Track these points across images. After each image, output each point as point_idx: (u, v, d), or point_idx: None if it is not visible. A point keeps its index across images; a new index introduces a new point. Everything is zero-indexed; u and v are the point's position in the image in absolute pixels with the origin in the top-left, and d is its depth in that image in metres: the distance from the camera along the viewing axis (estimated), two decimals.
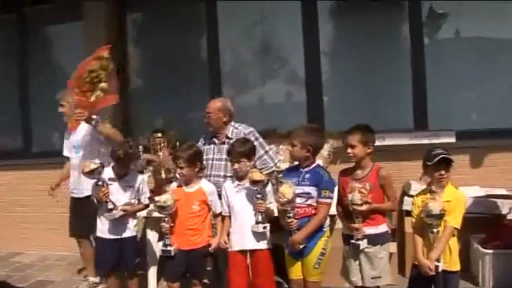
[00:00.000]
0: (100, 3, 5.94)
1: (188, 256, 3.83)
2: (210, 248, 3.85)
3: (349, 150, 3.42)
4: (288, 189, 3.33)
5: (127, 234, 4.06)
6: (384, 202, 3.45)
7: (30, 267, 5.63)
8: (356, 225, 3.35)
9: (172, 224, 3.81)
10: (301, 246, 3.44)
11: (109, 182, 3.95)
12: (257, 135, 4.27)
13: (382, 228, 3.46)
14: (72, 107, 4.45)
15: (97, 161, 3.91)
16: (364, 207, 3.29)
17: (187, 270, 3.89)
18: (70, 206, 4.77)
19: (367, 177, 3.41)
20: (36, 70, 6.56)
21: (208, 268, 3.94)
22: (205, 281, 4.04)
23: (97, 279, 4.73)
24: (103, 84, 4.12)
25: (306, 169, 3.51)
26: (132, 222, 4.11)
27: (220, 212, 3.90)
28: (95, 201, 3.96)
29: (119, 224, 4.02)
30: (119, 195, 3.99)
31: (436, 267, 3.17)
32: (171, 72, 6.14)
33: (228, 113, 4.26)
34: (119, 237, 4.03)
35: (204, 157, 4.23)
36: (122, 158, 3.93)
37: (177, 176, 4.01)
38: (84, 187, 4.40)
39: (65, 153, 4.84)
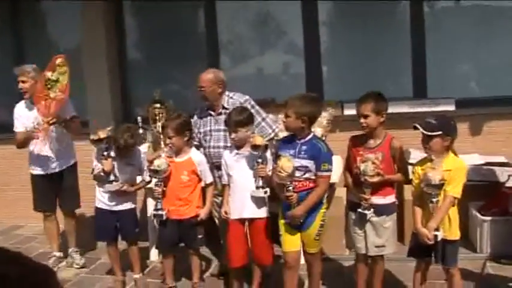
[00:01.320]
0: None
1: (179, 226, 3.87)
2: (198, 218, 3.86)
3: (362, 120, 3.34)
4: (287, 163, 3.25)
5: (126, 206, 4.10)
6: (395, 173, 3.42)
7: (32, 240, 5.69)
8: (365, 196, 3.33)
9: (164, 188, 3.83)
10: (301, 220, 3.42)
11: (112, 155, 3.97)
12: (253, 102, 4.23)
13: (390, 199, 3.45)
14: (34, 82, 4.51)
15: (107, 129, 3.93)
16: (376, 179, 3.26)
17: (180, 240, 3.93)
18: (35, 183, 4.75)
19: (379, 147, 3.35)
20: (32, 46, 6.47)
21: (199, 236, 3.95)
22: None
23: (61, 254, 4.84)
24: (57, 92, 4.36)
25: (302, 141, 3.39)
26: (131, 197, 4.15)
27: (211, 182, 3.92)
28: (95, 171, 3.97)
29: (118, 195, 4.05)
30: (119, 173, 4.02)
31: (435, 236, 3.15)
32: (168, 44, 6.09)
33: (222, 84, 4.19)
34: (117, 209, 4.06)
35: (202, 130, 4.23)
36: (122, 148, 3.93)
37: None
38: (55, 162, 4.59)
39: (21, 128, 4.62)
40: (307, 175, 3.36)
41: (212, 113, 4.21)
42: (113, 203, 4.07)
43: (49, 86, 4.34)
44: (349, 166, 3.53)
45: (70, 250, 4.85)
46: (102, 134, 3.85)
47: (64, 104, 4.47)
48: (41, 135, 4.37)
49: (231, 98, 4.22)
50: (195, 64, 5.97)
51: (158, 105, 4.70)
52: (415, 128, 3.25)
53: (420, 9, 5.36)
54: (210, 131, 4.20)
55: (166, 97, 4.96)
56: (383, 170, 3.27)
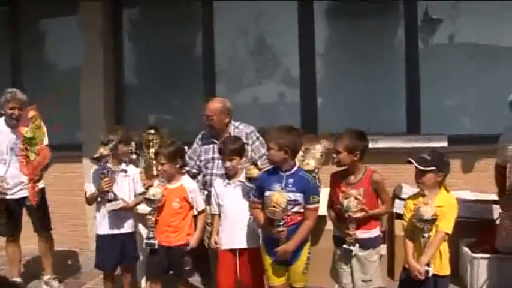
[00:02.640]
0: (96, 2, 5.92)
1: (169, 253, 3.83)
2: (188, 247, 3.83)
3: (334, 155, 3.41)
4: (281, 198, 3.20)
5: (127, 229, 4.05)
6: (378, 206, 3.43)
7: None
8: (350, 232, 3.32)
9: (158, 218, 3.81)
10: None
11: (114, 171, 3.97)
12: (258, 134, 4.26)
13: (375, 232, 3.44)
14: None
15: (107, 147, 3.91)
16: (360, 214, 3.27)
17: (170, 267, 3.89)
18: (4, 208, 4.63)
19: (359, 182, 3.37)
20: (30, 65, 6.51)
21: (186, 268, 3.90)
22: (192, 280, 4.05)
23: (20, 280, 4.74)
24: (36, 154, 4.44)
25: (288, 173, 3.35)
26: (131, 219, 4.10)
27: (203, 210, 3.91)
28: (88, 193, 3.97)
29: (118, 218, 4.01)
30: (119, 186, 4.00)
31: (426, 271, 3.15)
32: (165, 69, 6.13)
33: (229, 113, 4.21)
34: (119, 232, 4.02)
35: (203, 157, 4.24)
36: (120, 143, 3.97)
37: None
38: (15, 188, 4.58)
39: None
40: (296, 208, 3.32)
41: (216, 141, 4.20)
42: (114, 227, 4.02)
43: (26, 144, 4.38)
44: (332, 202, 3.53)
45: (46, 277, 4.76)
46: (104, 151, 3.85)
47: (44, 163, 4.52)
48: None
49: (237, 127, 4.24)
50: (192, 91, 6.04)
51: (152, 131, 4.70)
52: (409, 162, 3.27)
53: (416, 44, 5.44)
54: (213, 158, 4.19)
55: (161, 123, 4.98)
56: (366, 205, 3.29)
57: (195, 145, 4.36)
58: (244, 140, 4.03)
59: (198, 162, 4.30)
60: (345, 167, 3.44)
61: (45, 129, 4.55)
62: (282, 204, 3.18)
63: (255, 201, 3.50)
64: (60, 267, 4.88)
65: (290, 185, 3.32)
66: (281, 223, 3.27)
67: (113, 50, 6.10)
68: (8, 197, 4.59)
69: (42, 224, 4.72)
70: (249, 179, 3.58)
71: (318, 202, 3.37)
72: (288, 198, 3.25)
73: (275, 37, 5.94)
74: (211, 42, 5.88)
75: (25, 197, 4.55)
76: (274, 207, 3.19)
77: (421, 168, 3.21)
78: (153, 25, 6.28)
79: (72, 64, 6.25)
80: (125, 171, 4.07)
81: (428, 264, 3.17)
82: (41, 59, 6.62)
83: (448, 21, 5.53)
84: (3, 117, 4.63)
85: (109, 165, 3.91)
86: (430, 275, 3.16)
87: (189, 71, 6.08)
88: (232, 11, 5.85)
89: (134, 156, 4.87)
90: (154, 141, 4.64)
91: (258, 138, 4.24)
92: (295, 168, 3.40)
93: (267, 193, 3.32)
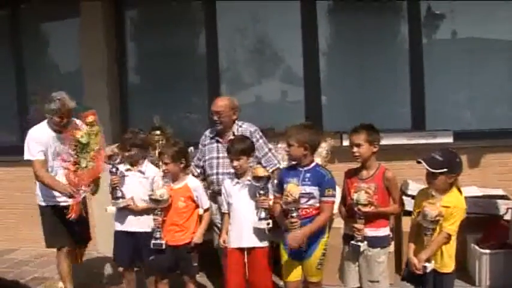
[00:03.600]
0: (97, 2, 5.92)
1: (175, 252, 3.86)
2: (192, 244, 3.85)
3: (355, 149, 3.39)
4: (294, 188, 3.31)
5: (140, 229, 4.04)
6: (389, 204, 3.43)
7: (26, 264, 5.62)
8: (358, 226, 3.32)
9: (165, 218, 3.84)
10: (303, 247, 3.41)
11: (126, 174, 4.04)
12: (261, 133, 4.29)
13: (384, 231, 3.44)
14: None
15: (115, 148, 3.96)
16: (369, 208, 3.27)
17: (176, 266, 3.92)
18: (51, 215, 4.31)
19: (372, 178, 3.38)
20: (32, 67, 6.52)
21: (194, 264, 3.93)
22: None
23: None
24: (89, 161, 3.94)
25: (306, 168, 3.47)
26: (147, 218, 4.01)
27: (207, 208, 3.94)
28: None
29: (133, 217, 4.03)
30: (132, 186, 4.03)
31: (424, 267, 3.17)
32: (169, 70, 6.13)
33: (237, 111, 4.24)
34: (131, 230, 4.04)
35: (207, 157, 4.25)
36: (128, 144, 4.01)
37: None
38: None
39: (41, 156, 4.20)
40: (311, 202, 3.40)
41: (220, 140, 4.22)
42: (129, 225, 4.05)
43: (78, 150, 3.93)
44: (345, 199, 3.55)
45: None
46: (115, 149, 3.94)
47: (98, 173, 4.05)
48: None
49: (241, 126, 4.25)
50: (196, 91, 6.04)
51: (158, 132, 4.71)
52: (419, 162, 3.23)
53: (419, 40, 5.43)
54: (217, 157, 4.20)
55: (165, 122, 4.98)
56: (377, 201, 3.29)
57: (200, 147, 4.37)
58: None
59: (202, 163, 4.31)
60: (359, 164, 3.45)
61: (103, 138, 4.12)
62: (294, 193, 3.27)
63: (275, 196, 3.57)
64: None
65: (306, 179, 3.42)
66: (294, 214, 3.33)
67: (116, 50, 6.10)
68: (55, 204, 4.28)
69: (82, 236, 4.45)
70: (256, 178, 3.58)
71: (334, 196, 3.43)
72: (303, 191, 3.35)
73: (278, 36, 5.94)
74: (214, 41, 5.88)
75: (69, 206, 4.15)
76: (286, 196, 3.28)
77: (433, 171, 3.18)
78: (155, 25, 6.29)
79: (76, 65, 6.26)
80: (142, 172, 4.09)
81: (428, 261, 3.19)
82: (44, 61, 6.62)
83: (451, 15, 5.53)
84: (45, 121, 4.30)
85: (120, 164, 3.97)
86: (428, 271, 3.19)
87: (193, 71, 6.08)
88: (235, 10, 5.84)
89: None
90: (160, 142, 4.64)
91: (261, 137, 4.26)
92: (313, 164, 3.50)
93: (285, 185, 3.40)
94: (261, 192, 3.60)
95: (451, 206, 3.17)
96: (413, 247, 3.29)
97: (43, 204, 4.33)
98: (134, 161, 4.08)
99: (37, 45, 6.60)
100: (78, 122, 4.19)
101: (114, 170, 3.97)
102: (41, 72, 6.52)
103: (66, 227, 4.24)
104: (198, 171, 4.34)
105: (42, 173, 4.18)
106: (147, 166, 4.13)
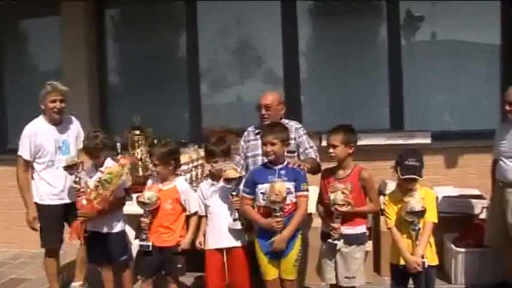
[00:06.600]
0: (78, 2, 5.88)
1: (161, 253, 3.83)
2: (179, 248, 3.81)
3: (331, 150, 3.43)
4: (283, 187, 3.30)
5: (109, 229, 4.02)
6: (365, 203, 3.47)
7: (3, 265, 5.53)
8: (334, 225, 3.35)
9: (152, 220, 3.80)
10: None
11: (88, 180, 3.96)
12: (305, 131, 4.20)
13: (360, 229, 3.47)
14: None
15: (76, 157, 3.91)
16: (346, 208, 3.30)
17: (162, 267, 3.89)
18: (55, 214, 4.23)
19: (348, 177, 3.43)
20: (11, 66, 6.44)
21: (179, 265, 3.89)
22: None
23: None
24: (99, 199, 3.78)
25: (280, 166, 3.48)
26: (118, 220, 4.04)
27: (196, 212, 3.89)
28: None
29: (103, 218, 3.97)
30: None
31: (423, 263, 3.25)
32: (149, 70, 6.12)
33: (284, 105, 4.16)
34: (101, 231, 4.01)
35: (250, 154, 4.17)
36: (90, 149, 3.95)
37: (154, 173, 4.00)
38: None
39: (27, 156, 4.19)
40: (289, 197, 3.40)
41: None
42: (97, 226, 4.00)
43: (100, 184, 3.80)
44: (322, 198, 3.58)
45: (78, 283, 4.51)
46: (76, 160, 3.89)
47: (93, 210, 3.83)
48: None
49: (287, 123, 4.06)
50: (176, 91, 6.02)
51: (138, 131, 4.69)
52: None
53: (398, 42, 5.50)
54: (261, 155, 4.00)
55: (146, 123, 4.96)
56: (353, 200, 3.33)
57: (241, 143, 4.29)
58: (292, 135, 3.96)
59: (242, 161, 4.20)
60: (336, 163, 3.49)
61: (127, 179, 4.07)
62: (283, 192, 3.28)
63: (246, 198, 3.54)
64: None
65: (283, 176, 3.42)
66: (278, 213, 3.33)
67: (96, 50, 6.07)
68: (54, 202, 4.22)
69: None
70: (226, 180, 3.59)
71: (307, 190, 3.45)
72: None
73: (259, 37, 5.96)
74: (195, 42, 5.89)
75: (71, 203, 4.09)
76: (276, 195, 3.27)
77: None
78: (136, 25, 6.27)
79: (55, 65, 6.20)
80: (102, 171, 3.98)
81: (422, 256, 3.26)
82: (23, 60, 6.54)
83: (430, 18, 5.61)
84: (40, 117, 4.25)
85: (82, 173, 3.91)
86: (426, 266, 3.26)
87: (173, 71, 6.08)
88: (217, 11, 5.86)
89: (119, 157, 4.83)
90: (140, 142, 4.63)
91: (305, 134, 4.17)
92: (286, 162, 3.51)
93: (263, 185, 3.41)
94: (233, 193, 3.60)
95: (425, 197, 3.31)
96: (403, 243, 3.34)
97: (39, 202, 4.26)
98: (101, 163, 4.03)
99: (16, 43, 6.51)
100: (111, 162, 4.05)
101: (77, 179, 3.89)
102: (20, 72, 6.43)
103: (59, 229, 4.25)
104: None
105: (21, 173, 4.20)
106: (108, 164, 4.04)
